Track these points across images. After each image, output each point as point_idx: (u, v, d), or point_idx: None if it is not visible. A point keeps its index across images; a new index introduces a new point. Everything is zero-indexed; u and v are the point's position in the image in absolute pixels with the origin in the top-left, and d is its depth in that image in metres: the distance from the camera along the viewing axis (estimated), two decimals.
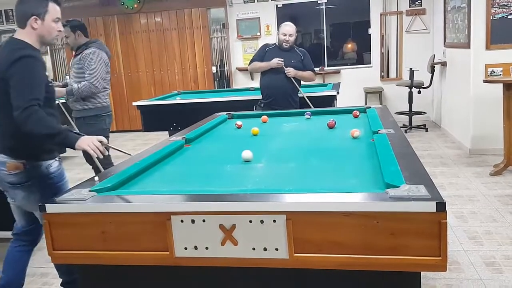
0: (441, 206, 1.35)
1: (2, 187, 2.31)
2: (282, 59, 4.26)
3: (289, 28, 4.32)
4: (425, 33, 7.39)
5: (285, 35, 4.29)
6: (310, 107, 4.16)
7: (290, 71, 4.25)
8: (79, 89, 3.74)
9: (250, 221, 1.48)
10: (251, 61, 4.52)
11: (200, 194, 1.63)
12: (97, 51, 3.81)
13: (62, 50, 8.53)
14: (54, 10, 2.21)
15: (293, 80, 4.30)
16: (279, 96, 4.27)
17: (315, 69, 7.90)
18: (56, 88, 3.86)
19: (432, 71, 6.75)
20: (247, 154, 2.18)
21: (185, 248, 1.54)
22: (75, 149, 2.16)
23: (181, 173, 2.12)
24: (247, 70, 7.98)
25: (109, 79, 4.03)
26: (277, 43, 4.45)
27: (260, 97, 4.52)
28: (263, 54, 4.43)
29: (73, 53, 4.01)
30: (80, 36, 3.89)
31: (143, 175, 2.03)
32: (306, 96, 4.41)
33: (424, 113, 7.22)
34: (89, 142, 2.14)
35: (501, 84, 4.47)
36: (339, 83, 5.72)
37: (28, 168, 2.20)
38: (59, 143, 2.23)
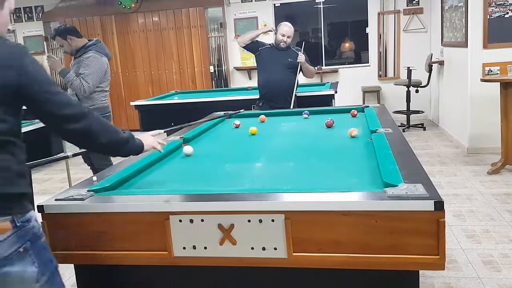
0: (439, 205, 1.36)
1: None
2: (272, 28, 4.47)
3: (288, 29, 4.30)
4: (423, 32, 7.39)
5: (283, 35, 4.28)
6: (289, 107, 4.19)
7: (302, 58, 4.26)
8: (72, 81, 3.67)
9: (249, 221, 1.48)
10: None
11: (199, 193, 1.63)
12: (97, 56, 3.73)
13: (59, 50, 8.50)
14: None
15: (296, 73, 4.32)
16: (277, 94, 4.27)
17: None
18: (55, 60, 3.83)
19: (430, 70, 6.76)
20: (188, 149, 2.36)
21: (184, 248, 1.54)
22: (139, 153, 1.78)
23: (179, 173, 2.12)
24: (245, 69, 8.00)
25: (109, 81, 3.95)
26: (273, 43, 4.42)
27: (257, 96, 4.52)
28: (256, 48, 4.43)
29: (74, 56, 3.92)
30: (74, 39, 3.78)
31: (141, 175, 2.02)
32: (299, 96, 4.43)
33: (422, 112, 7.23)
34: (152, 139, 1.82)
35: (498, 83, 4.47)
36: (337, 82, 5.73)
37: (18, 225, 1.36)
38: (128, 152, 1.70)
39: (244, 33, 4.64)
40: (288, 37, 4.29)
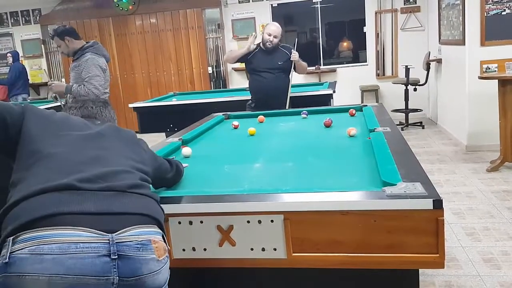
0: (438, 204, 1.36)
1: None
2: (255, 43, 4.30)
3: (275, 28, 4.23)
4: (420, 30, 7.40)
5: (269, 35, 4.19)
6: (286, 108, 4.18)
7: (295, 56, 4.23)
8: (78, 92, 3.66)
9: (248, 222, 1.48)
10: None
11: (197, 195, 1.63)
12: (94, 57, 3.69)
13: (57, 53, 8.50)
14: None
15: (288, 74, 4.29)
16: (271, 99, 4.19)
17: (311, 68, 7.93)
18: (57, 82, 3.85)
19: (428, 68, 6.76)
20: (186, 151, 2.39)
21: (183, 250, 1.54)
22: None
23: None
24: (243, 70, 7.98)
25: (109, 82, 3.94)
26: (260, 43, 4.34)
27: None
28: (245, 58, 4.36)
29: (72, 58, 3.91)
30: (71, 41, 3.76)
31: None
32: (298, 96, 4.41)
33: (421, 110, 7.24)
34: None
35: (496, 80, 4.48)
36: (335, 81, 5.72)
37: (167, 249, 1.33)
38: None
39: (231, 51, 4.49)
40: (275, 36, 4.20)
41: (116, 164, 1.37)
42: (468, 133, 5.28)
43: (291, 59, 4.22)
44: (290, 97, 4.34)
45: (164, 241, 1.30)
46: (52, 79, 8.40)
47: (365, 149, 2.25)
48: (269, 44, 4.21)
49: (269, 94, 4.20)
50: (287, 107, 4.23)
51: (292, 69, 4.29)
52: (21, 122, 1.37)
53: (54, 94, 3.90)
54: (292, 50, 4.27)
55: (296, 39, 4.80)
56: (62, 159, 1.31)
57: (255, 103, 4.30)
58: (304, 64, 4.42)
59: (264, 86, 4.22)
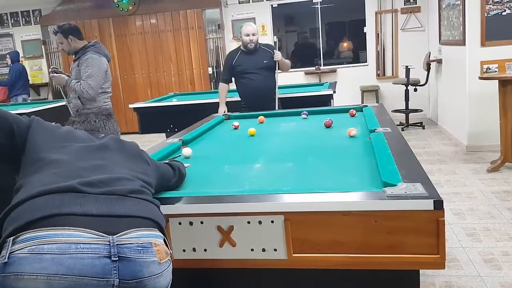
0: (438, 204, 1.35)
1: None
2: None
3: (250, 27, 4.24)
4: (420, 30, 7.40)
5: (248, 35, 4.20)
6: (275, 109, 4.17)
7: (278, 55, 4.24)
8: (74, 88, 3.68)
9: (248, 222, 1.48)
10: (221, 80, 4.50)
11: (198, 196, 1.62)
12: (95, 57, 3.69)
13: (58, 54, 8.50)
14: None
15: (275, 76, 4.29)
16: (260, 99, 4.19)
17: (311, 68, 7.94)
18: (59, 77, 3.86)
19: (428, 69, 6.76)
20: (187, 151, 2.39)
21: (184, 250, 1.54)
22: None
23: None
24: None
25: (110, 82, 3.95)
26: (241, 47, 4.34)
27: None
28: (231, 70, 4.32)
29: (73, 57, 3.92)
30: (74, 40, 3.76)
31: None
32: (298, 96, 4.40)
33: (421, 110, 7.24)
34: None
35: (497, 80, 4.47)
36: (336, 82, 5.72)
37: (169, 252, 1.33)
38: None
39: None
40: (253, 34, 4.20)
41: (117, 172, 1.41)
42: (468, 134, 5.27)
43: (274, 59, 4.23)
44: (279, 98, 4.35)
45: (166, 245, 1.30)
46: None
47: (365, 149, 2.25)
48: (251, 45, 4.22)
49: (259, 95, 4.21)
50: (276, 108, 4.23)
51: (277, 69, 4.30)
52: (27, 132, 1.43)
53: (52, 68, 3.93)
54: (275, 50, 4.28)
55: (276, 37, 4.80)
56: (65, 165, 1.35)
57: (247, 105, 4.30)
58: (287, 61, 4.45)
59: (253, 88, 4.23)
